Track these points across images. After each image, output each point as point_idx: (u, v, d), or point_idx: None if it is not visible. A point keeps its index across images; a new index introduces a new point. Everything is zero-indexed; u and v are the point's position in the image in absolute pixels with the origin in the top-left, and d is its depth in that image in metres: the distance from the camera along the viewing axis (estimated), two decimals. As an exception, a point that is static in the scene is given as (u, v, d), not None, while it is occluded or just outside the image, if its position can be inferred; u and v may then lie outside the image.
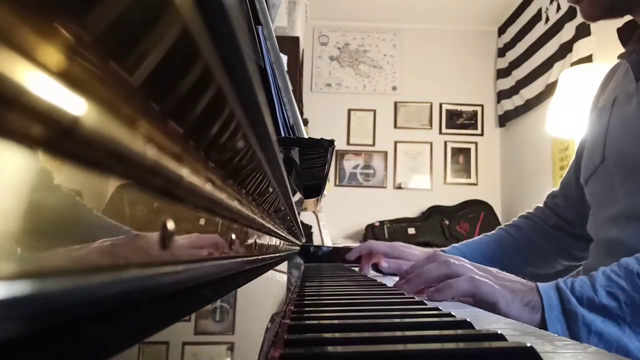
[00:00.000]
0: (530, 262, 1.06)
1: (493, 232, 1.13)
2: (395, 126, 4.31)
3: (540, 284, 0.66)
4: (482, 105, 4.31)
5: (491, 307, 0.64)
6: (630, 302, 0.58)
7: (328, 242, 2.90)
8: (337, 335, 0.36)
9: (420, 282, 0.71)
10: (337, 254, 1.77)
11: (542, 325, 0.61)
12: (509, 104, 4.01)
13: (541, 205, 1.13)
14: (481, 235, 1.14)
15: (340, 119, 4.29)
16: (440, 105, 4.31)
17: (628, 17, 0.85)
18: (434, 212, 4.02)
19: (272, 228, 0.48)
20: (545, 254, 1.06)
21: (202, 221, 0.20)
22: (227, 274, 0.27)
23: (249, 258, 0.34)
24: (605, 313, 0.59)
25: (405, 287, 0.73)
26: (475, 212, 3.95)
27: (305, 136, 0.93)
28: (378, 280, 0.89)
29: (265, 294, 0.44)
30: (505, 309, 0.63)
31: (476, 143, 4.28)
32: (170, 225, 0.15)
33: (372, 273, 1.17)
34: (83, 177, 0.10)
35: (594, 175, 0.87)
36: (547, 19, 3.46)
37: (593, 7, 0.82)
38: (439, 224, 3.97)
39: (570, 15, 3.12)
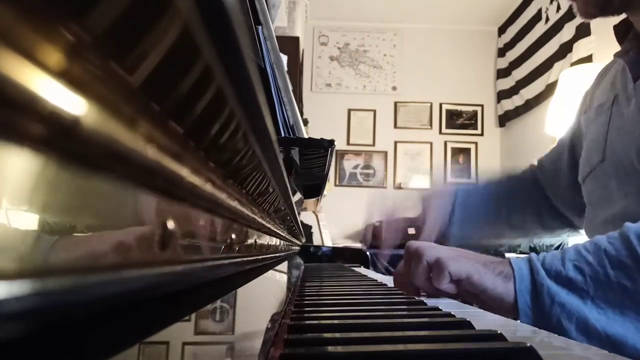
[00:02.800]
0: (512, 223, 1.10)
1: (498, 179, 1.15)
2: (395, 126, 4.31)
3: (513, 258, 0.69)
4: (482, 105, 4.31)
5: (466, 281, 0.66)
6: (594, 276, 0.60)
7: (328, 242, 2.90)
8: (337, 335, 0.36)
9: (425, 287, 0.72)
10: (337, 254, 1.77)
11: (514, 296, 0.64)
12: (509, 104, 4.01)
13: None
14: (485, 181, 1.17)
15: (340, 119, 4.29)
16: (440, 105, 4.31)
17: (625, 15, 0.85)
18: (434, 212, 4.02)
19: (272, 228, 0.48)
20: (527, 216, 1.09)
21: (202, 221, 0.20)
22: (227, 274, 0.27)
23: (249, 258, 0.34)
24: (571, 286, 0.61)
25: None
26: (475, 212, 3.94)
27: (305, 136, 0.93)
28: (378, 280, 0.89)
29: (265, 294, 0.44)
30: (479, 281, 0.65)
31: (476, 143, 4.28)
32: (171, 225, 0.15)
33: (372, 273, 1.17)
34: (83, 177, 0.10)
35: (591, 174, 0.87)
36: (547, 19, 3.46)
37: (588, 5, 0.82)
38: (439, 224, 3.96)
39: (570, 15, 3.12)
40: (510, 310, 0.65)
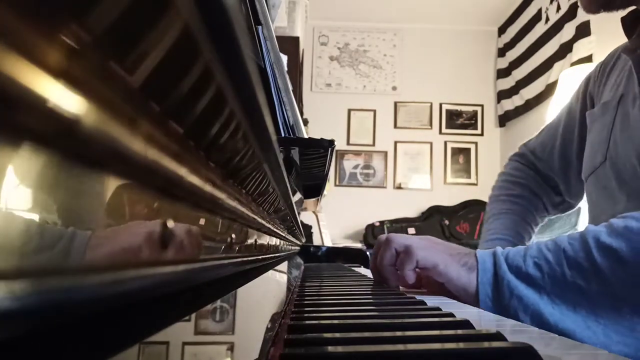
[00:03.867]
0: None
1: (507, 208, 1.10)
2: (395, 126, 4.31)
3: (479, 250, 0.71)
4: (482, 105, 4.31)
5: (433, 270, 0.69)
6: (552, 274, 0.63)
7: (328, 242, 2.90)
8: (337, 335, 0.36)
9: (390, 270, 0.75)
10: (337, 254, 1.77)
11: (476, 286, 0.67)
12: (509, 104, 4.01)
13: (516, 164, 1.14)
14: (501, 215, 1.09)
15: (340, 119, 4.30)
16: (440, 105, 4.31)
17: (631, 9, 0.83)
18: (434, 212, 4.02)
19: (272, 228, 0.48)
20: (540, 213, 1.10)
21: (202, 221, 0.20)
22: (227, 274, 0.27)
23: (249, 258, 0.34)
24: (529, 281, 0.64)
25: (392, 282, 0.76)
26: (475, 212, 3.95)
27: (305, 136, 0.93)
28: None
29: (265, 294, 0.44)
30: (444, 270, 0.68)
31: (476, 143, 4.29)
32: (170, 225, 0.15)
33: (371, 274, 1.17)
34: (83, 177, 0.10)
35: (593, 174, 0.86)
36: (547, 19, 3.46)
37: (591, 2, 0.81)
38: (439, 224, 3.97)
39: (570, 15, 3.12)
40: (471, 300, 0.67)
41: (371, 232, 3.92)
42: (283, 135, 0.58)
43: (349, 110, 4.32)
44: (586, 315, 0.60)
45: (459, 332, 0.37)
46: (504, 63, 4.14)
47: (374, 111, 4.32)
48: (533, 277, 0.64)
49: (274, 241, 0.55)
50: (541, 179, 1.09)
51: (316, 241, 2.75)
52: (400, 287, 0.77)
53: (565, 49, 3.15)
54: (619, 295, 0.59)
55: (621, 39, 0.92)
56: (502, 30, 4.21)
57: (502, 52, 4.19)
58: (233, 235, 0.27)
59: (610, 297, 0.60)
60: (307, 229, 2.63)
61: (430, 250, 0.70)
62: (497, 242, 1.01)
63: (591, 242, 0.62)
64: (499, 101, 4.21)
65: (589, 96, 0.96)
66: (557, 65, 3.22)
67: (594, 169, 0.86)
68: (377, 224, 3.96)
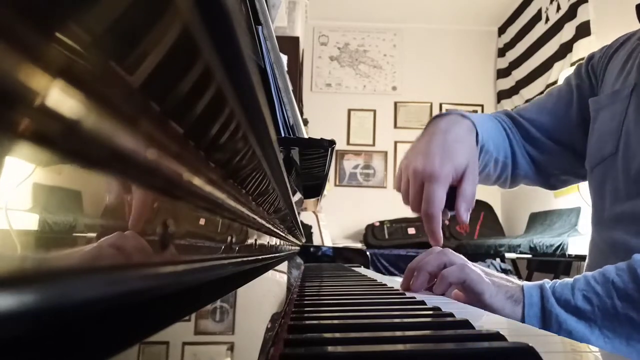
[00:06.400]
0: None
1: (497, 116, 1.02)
2: (395, 126, 4.32)
3: (525, 284, 0.70)
4: (482, 105, 4.31)
5: (477, 296, 0.67)
6: (602, 307, 0.62)
7: (328, 242, 2.90)
8: (337, 335, 0.36)
9: (425, 274, 0.73)
10: (337, 254, 1.77)
11: (522, 319, 0.66)
12: (509, 104, 4.01)
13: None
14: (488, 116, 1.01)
15: (340, 119, 4.30)
16: (440, 105, 4.31)
17: None
18: (434, 212, 4.01)
19: (272, 228, 0.48)
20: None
21: (202, 221, 0.20)
22: (227, 274, 0.27)
23: (249, 258, 0.34)
24: (579, 314, 0.63)
25: (416, 283, 0.74)
26: (475, 212, 3.93)
27: (305, 136, 0.93)
28: (378, 280, 0.89)
29: (265, 294, 0.44)
30: (489, 300, 0.67)
31: (476, 143, 4.28)
32: (170, 225, 0.15)
33: (372, 273, 1.17)
34: (83, 177, 0.10)
35: (601, 165, 0.84)
36: (547, 19, 3.46)
37: None
38: (439, 224, 3.96)
39: (570, 15, 3.12)
40: None
41: (371, 232, 3.92)
42: (283, 135, 0.58)
43: (349, 110, 4.32)
44: None
45: (459, 332, 0.37)
46: (504, 63, 4.14)
47: (374, 111, 4.32)
48: (583, 310, 0.63)
49: (274, 241, 0.55)
50: (519, 134, 0.98)
51: (316, 241, 2.75)
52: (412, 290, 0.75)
53: (565, 49, 3.15)
54: None
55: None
56: (502, 30, 4.21)
57: (502, 52, 4.19)
58: (233, 235, 0.27)
59: None
60: (307, 229, 2.63)
61: (480, 276, 0.68)
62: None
63: None
64: (499, 101, 4.21)
65: (591, 73, 0.93)
66: (557, 65, 3.22)
67: (603, 159, 0.83)
68: (377, 224, 3.96)
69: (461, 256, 0.74)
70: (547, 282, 0.68)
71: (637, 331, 0.60)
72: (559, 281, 0.67)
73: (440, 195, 0.79)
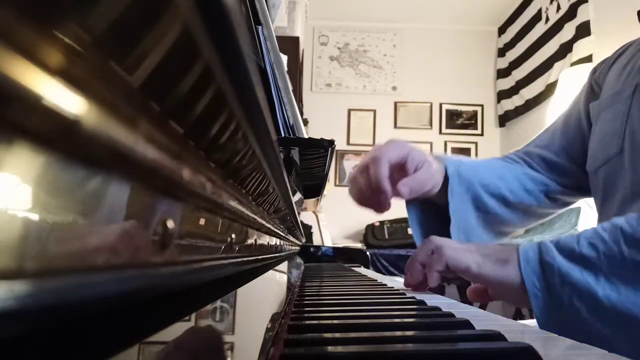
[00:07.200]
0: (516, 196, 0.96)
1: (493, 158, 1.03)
2: (395, 126, 4.32)
3: (522, 244, 0.68)
4: (482, 105, 4.31)
5: (465, 272, 0.66)
6: (608, 253, 0.60)
7: (328, 242, 2.90)
8: (337, 335, 0.36)
9: (417, 266, 0.72)
10: (337, 254, 1.77)
11: (521, 281, 0.63)
12: (509, 104, 4.01)
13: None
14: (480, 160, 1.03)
15: (340, 119, 4.30)
16: (440, 105, 4.32)
17: None
18: (434, 212, 4.02)
19: (272, 228, 0.48)
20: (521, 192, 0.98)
21: (202, 221, 0.20)
22: (227, 274, 0.27)
23: (249, 258, 0.34)
24: (584, 263, 0.61)
25: (412, 277, 0.73)
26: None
27: (305, 136, 0.93)
28: (378, 280, 0.89)
29: (265, 294, 0.44)
30: (477, 271, 0.66)
31: (476, 143, 4.29)
32: (170, 225, 0.15)
33: (372, 273, 1.16)
34: (83, 177, 0.10)
35: (606, 165, 0.83)
36: (547, 19, 3.46)
37: None
38: (439, 224, 3.96)
39: (570, 15, 3.12)
40: (520, 294, 0.64)
41: (371, 232, 3.92)
42: (283, 135, 0.58)
43: (349, 110, 4.32)
44: None
45: (459, 332, 0.37)
46: (504, 63, 4.14)
47: (374, 111, 4.32)
48: (588, 257, 0.61)
49: (274, 241, 0.55)
50: (534, 171, 0.99)
51: (316, 241, 2.75)
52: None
53: (565, 49, 3.15)
54: None
55: (621, 39, 0.92)
56: (502, 30, 4.21)
57: (502, 52, 4.19)
58: (233, 235, 0.27)
59: None
60: (307, 229, 2.63)
61: (460, 251, 0.67)
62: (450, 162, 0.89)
63: None
64: (499, 101, 4.21)
65: (594, 83, 0.94)
66: (557, 65, 3.22)
67: (608, 160, 0.82)
68: (377, 224, 3.95)
69: (444, 239, 0.72)
70: (548, 239, 0.66)
71: None
72: (563, 237, 0.66)
73: (383, 167, 0.78)
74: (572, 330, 0.60)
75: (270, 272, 0.52)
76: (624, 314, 0.58)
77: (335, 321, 0.43)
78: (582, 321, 0.60)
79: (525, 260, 0.64)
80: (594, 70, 0.97)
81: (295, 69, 2.71)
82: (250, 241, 0.35)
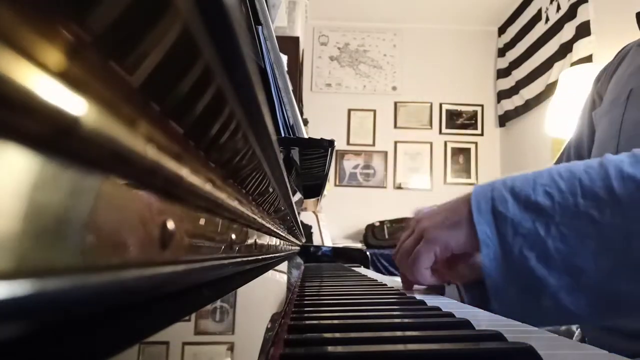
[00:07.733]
0: None
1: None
2: (395, 126, 4.31)
3: (474, 192, 0.66)
4: (482, 105, 4.31)
5: (430, 248, 0.65)
6: (563, 203, 0.59)
7: (328, 242, 2.90)
8: (337, 335, 0.36)
9: (407, 262, 0.70)
10: (337, 254, 1.77)
11: (473, 232, 0.62)
12: (509, 104, 4.01)
13: None
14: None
15: (340, 119, 4.30)
16: (440, 105, 4.31)
17: None
18: (434, 212, 4.01)
19: (272, 228, 0.48)
20: None
21: (202, 221, 0.20)
22: (227, 274, 0.27)
23: (249, 258, 0.34)
24: (537, 211, 0.60)
25: (403, 278, 0.73)
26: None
27: (305, 136, 0.93)
28: (378, 280, 0.89)
29: (265, 294, 0.44)
30: (433, 235, 0.65)
31: (476, 143, 4.29)
32: (170, 225, 0.15)
33: (372, 273, 1.16)
34: (83, 177, 0.10)
35: None
36: (547, 19, 3.46)
37: None
38: (439, 224, 3.96)
39: (570, 15, 3.12)
40: (473, 245, 0.63)
41: (371, 232, 3.92)
42: (283, 135, 0.58)
43: (349, 110, 4.32)
44: (595, 250, 0.57)
45: (459, 332, 0.37)
46: (504, 63, 4.14)
47: (374, 111, 4.32)
48: (542, 206, 0.60)
49: (274, 241, 0.55)
50: None
51: (316, 241, 2.75)
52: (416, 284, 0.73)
53: (565, 49, 3.15)
54: (633, 228, 0.56)
55: (621, 39, 0.92)
56: (502, 30, 4.21)
57: (502, 52, 4.19)
58: (233, 235, 0.27)
59: (622, 229, 0.57)
60: (307, 229, 2.63)
61: (427, 216, 0.65)
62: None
63: (612, 171, 0.58)
64: (499, 101, 4.21)
65: (596, 95, 0.95)
66: (557, 65, 3.22)
67: None
68: (377, 224, 3.96)
69: (421, 210, 0.70)
70: (508, 178, 0.64)
71: (595, 229, 0.57)
72: (519, 176, 0.64)
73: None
74: (517, 279, 0.60)
75: (270, 272, 0.52)
76: (571, 265, 0.58)
77: (335, 321, 0.43)
78: (528, 270, 0.59)
79: (478, 210, 0.63)
80: (597, 79, 0.97)
81: (295, 69, 2.71)
82: (250, 241, 0.35)
